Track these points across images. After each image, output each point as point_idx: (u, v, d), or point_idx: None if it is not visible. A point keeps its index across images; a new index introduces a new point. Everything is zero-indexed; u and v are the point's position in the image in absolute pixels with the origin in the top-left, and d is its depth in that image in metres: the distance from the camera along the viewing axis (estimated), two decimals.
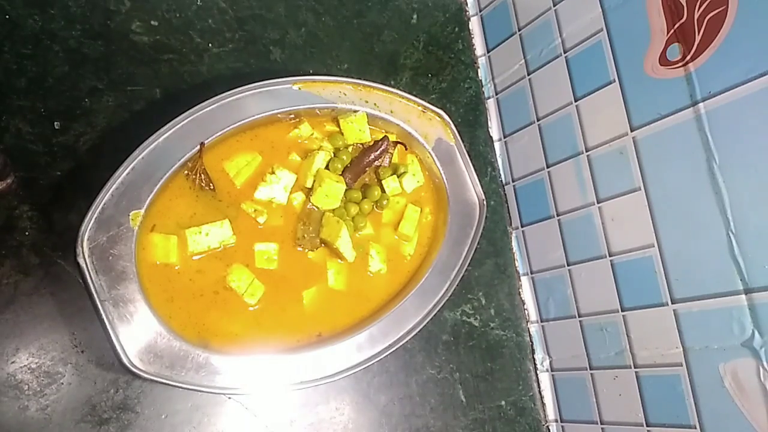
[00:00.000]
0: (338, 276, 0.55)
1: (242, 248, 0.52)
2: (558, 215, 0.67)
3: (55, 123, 0.53)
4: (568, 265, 0.66)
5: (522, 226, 0.72)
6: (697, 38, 0.52)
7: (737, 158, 0.49)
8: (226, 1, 0.63)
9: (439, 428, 0.63)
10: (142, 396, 0.51)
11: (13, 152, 0.50)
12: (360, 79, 0.58)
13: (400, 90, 0.59)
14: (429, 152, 0.60)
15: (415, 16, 0.75)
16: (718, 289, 0.50)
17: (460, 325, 0.67)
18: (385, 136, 0.59)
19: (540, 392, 0.69)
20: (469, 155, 0.62)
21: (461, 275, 0.57)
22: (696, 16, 0.52)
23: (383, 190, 0.58)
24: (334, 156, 0.57)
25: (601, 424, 0.62)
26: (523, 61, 0.71)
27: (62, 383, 0.48)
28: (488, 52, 0.77)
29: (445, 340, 0.66)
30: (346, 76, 0.57)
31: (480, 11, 0.78)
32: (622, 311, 0.59)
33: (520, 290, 0.72)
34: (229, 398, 0.54)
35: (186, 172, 0.50)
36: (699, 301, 0.52)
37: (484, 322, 0.69)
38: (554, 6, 0.66)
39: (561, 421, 0.67)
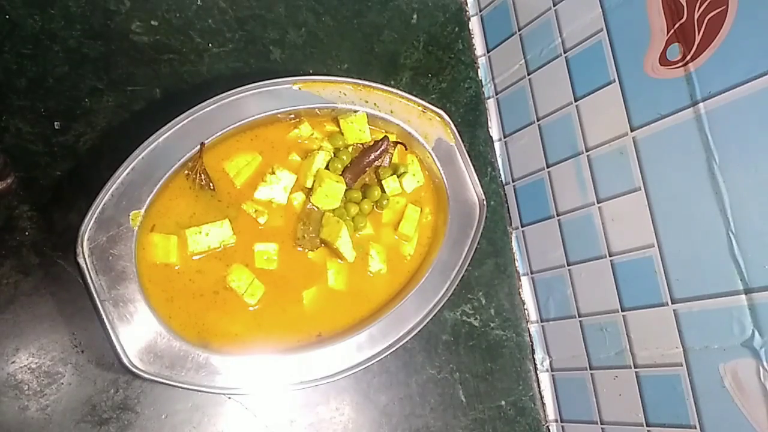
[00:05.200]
0: (338, 276, 0.55)
1: (242, 248, 0.52)
2: (558, 215, 0.67)
3: (55, 123, 0.53)
4: (568, 265, 0.66)
5: (522, 226, 0.72)
6: (697, 38, 0.52)
7: (737, 158, 0.49)
8: (226, 1, 0.63)
9: (439, 428, 0.63)
10: (142, 396, 0.51)
11: (13, 152, 0.50)
12: (360, 79, 0.58)
13: (400, 90, 0.59)
14: (429, 152, 0.60)
15: (415, 16, 0.75)
16: (718, 289, 0.50)
17: (460, 325, 0.67)
18: (385, 136, 0.59)
19: (540, 392, 0.69)
20: (469, 155, 0.62)
21: (461, 275, 0.57)
22: (696, 16, 0.52)
23: (383, 190, 0.58)
24: (334, 156, 0.56)
25: (601, 424, 0.62)
26: (523, 61, 0.71)
27: (62, 383, 0.48)
28: (488, 52, 0.77)
29: (445, 340, 0.65)
30: (346, 76, 0.57)
31: (480, 11, 0.78)
32: (622, 311, 0.59)
33: (520, 290, 0.72)
34: (229, 398, 0.54)
35: (186, 172, 0.50)
36: (699, 301, 0.52)
37: (484, 322, 0.69)
38: (554, 6, 0.66)
39: (561, 421, 0.67)
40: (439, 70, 0.75)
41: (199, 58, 0.60)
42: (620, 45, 0.59)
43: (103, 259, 0.45)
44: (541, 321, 0.70)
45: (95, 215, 0.45)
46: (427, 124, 0.61)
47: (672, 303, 0.54)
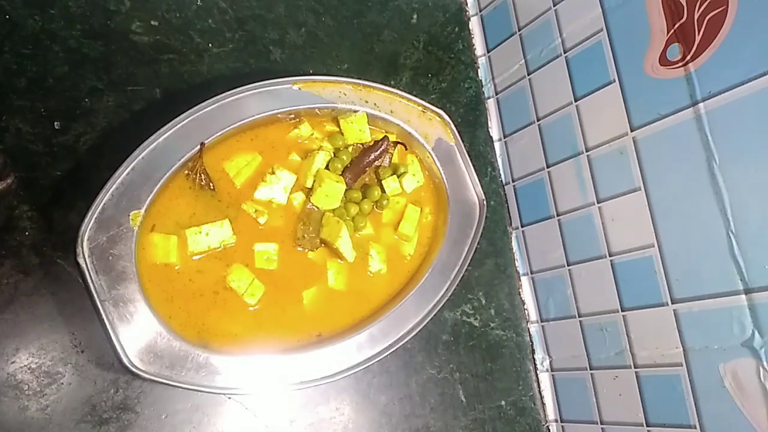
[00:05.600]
0: (338, 276, 0.55)
1: (242, 248, 0.52)
2: (558, 215, 0.67)
3: (55, 123, 0.53)
4: (568, 265, 0.66)
5: (522, 226, 0.72)
6: (697, 38, 0.52)
7: (737, 158, 0.49)
8: (226, 1, 0.63)
9: (439, 428, 0.63)
10: (142, 396, 0.51)
11: (13, 152, 0.50)
12: (360, 79, 0.58)
13: (400, 90, 0.59)
14: (429, 152, 0.60)
15: (415, 16, 0.75)
16: (718, 289, 0.50)
17: (460, 325, 0.67)
18: (385, 136, 0.59)
19: (540, 392, 0.69)
20: (469, 155, 0.62)
21: (461, 275, 0.57)
22: (696, 16, 0.52)
23: (383, 190, 0.58)
24: (334, 156, 0.57)
25: (601, 424, 0.62)
26: (523, 61, 0.71)
27: (62, 383, 0.48)
28: (488, 52, 0.77)
29: (445, 340, 0.65)
30: (346, 76, 0.57)
31: (480, 11, 0.78)
32: (622, 311, 0.59)
33: (520, 290, 0.72)
34: (229, 398, 0.54)
35: (186, 172, 0.50)
36: (699, 301, 0.52)
37: (484, 322, 0.69)
38: (554, 6, 0.66)
39: (561, 421, 0.67)
40: (439, 70, 0.75)
41: (199, 58, 0.60)
42: (620, 45, 0.59)
43: (103, 259, 0.45)
44: (541, 321, 0.70)
45: (95, 215, 0.45)
46: (427, 124, 0.61)
47: (672, 303, 0.54)
